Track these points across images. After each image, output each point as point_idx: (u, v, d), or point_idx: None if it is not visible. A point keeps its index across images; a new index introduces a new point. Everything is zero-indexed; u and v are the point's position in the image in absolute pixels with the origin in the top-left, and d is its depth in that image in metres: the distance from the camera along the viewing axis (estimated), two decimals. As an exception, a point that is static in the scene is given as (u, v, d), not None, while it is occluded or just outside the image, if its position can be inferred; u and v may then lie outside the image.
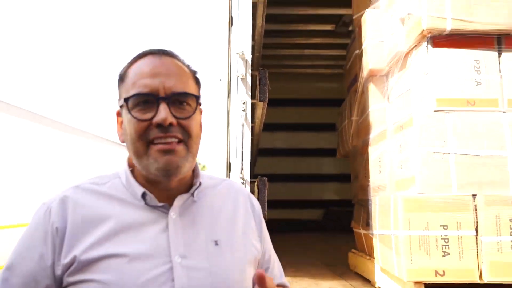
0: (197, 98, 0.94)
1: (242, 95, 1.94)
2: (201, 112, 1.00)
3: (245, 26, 1.99)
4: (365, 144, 2.70)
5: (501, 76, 1.98)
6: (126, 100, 0.90)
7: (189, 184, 0.97)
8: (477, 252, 1.84)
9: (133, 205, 0.93)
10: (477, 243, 1.84)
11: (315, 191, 6.56)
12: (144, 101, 0.89)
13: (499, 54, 2.00)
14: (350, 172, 3.65)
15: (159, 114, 0.87)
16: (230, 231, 0.99)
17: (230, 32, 2.03)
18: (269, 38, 5.21)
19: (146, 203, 0.92)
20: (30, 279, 0.86)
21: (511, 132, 1.93)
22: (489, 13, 1.96)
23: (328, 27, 5.17)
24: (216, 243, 0.94)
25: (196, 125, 0.95)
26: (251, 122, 2.39)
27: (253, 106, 2.22)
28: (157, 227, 0.91)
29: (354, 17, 3.04)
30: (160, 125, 0.87)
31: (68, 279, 0.85)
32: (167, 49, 1.01)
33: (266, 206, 2.06)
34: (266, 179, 2.07)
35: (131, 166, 0.97)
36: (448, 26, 1.95)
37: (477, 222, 1.85)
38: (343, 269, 2.96)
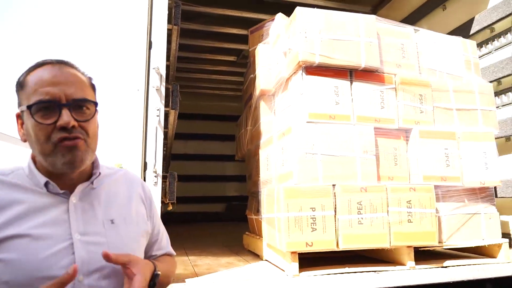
0: (95, 103, 0.91)
1: (157, 103, 1.88)
2: (97, 112, 0.95)
3: (161, 46, 1.94)
4: (257, 148, 2.76)
5: (352, 99, 2.17)
6: (29, 107, 0.83)
7: (89, 174, 0.95)
8: (335, 227, 1.97)
9: (36, 192, 0.87)
10: (335, 221, 1.97)
11: (219, 189, 6.56)
12: (45, 107, 0.84)
13: (351, 83, 2.19)
14: (242, 174, 3.71)
15: (62, 119, 0.83)
16: (125, 211, 0.97)
17: (148, 52, 1.97)
18: (183, 64, 5.13)
19: (48, 191, 0.87)
20: None
21: (358, 139, 2.12)
22: (344, 53, 2.13)
23: (231, 58, 5.25)
24: (112, 221, 0.93)
25: (94, 126, 0.91)
26: (165, 128, 2.33)
27: (167, 114, 2.16)
28: (59, 210, 0.87)
29: (250, 50, 3.13)
30: (63, 128, 0.84)
31: None
32: (64, 59, 0.95)
33: (175, 195, 2.01)
34: (175, 173, 2.01)
35: (33, 159, 0.91)
36: (317, 60, 2.09)
37: (335, 205, 1.98)
38: (239, 248, 2.99)
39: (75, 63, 0.94)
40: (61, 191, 0.88)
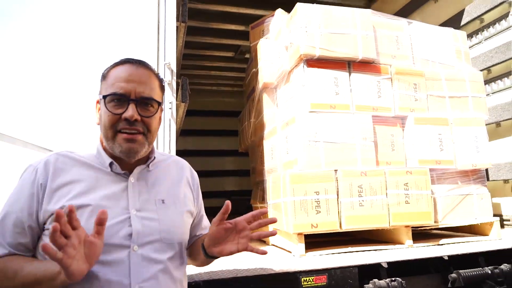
0: (159, 103, 1.05)
1: (169, 97, 2.01)
2: (161, 111, 1.11)
3: (171, 43, 2.07)
4: (261, 139, 2.90)
5: (351, 89, 2.32)
6: (104, 96, 1.00)
7: (146, 158, 1.10)
8: (338, 210, 2.12)
9: (102, 170, 1.04)
10: (338, 204, 2.12)
11: (219, 184, 6.69)
12: (117, 99, 1.00)
13: (350, 74, 2.34)
14: (246, 168, 3.83)
15: (128, 111, 0.99)
16: (174, 193, 1.12)
17: (159, 49, 2.10)
18: (182, 60, 5.24)
19: (112, 170, 1.02)
20: (18, 221, 0.94)
21: (358, 127, 2.26)
22: (342, 45, 2.28)
23: (229, 54, 5.37)
24: (163, 201, 1.07)
25: (155, 122, 1.06)
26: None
27: (176, 107, 2.28)
28: (119, 187, 1.03)
29: (251, 45, 3.26)
30: (127, 119, 0.99)
31: (48, 226, 0.94)
32: (143, 60, 1.10)
33: None
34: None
35: (101, 142, 1.06)
36: (317, 53, 2.23)
37: (338, 188, 2.13)
38: (244, 236, 3.12)
39: (150, 65, 1.10)
40: (122, 171, 1.03)
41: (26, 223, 0.93)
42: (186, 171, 1.22)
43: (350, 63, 2.35)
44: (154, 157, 1.11)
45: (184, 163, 1.25)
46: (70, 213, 0.78)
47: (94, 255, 0.83)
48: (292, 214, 2.06)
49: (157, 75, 1.10)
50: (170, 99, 2.00)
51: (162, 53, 2.08)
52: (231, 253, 1.06)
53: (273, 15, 2.95)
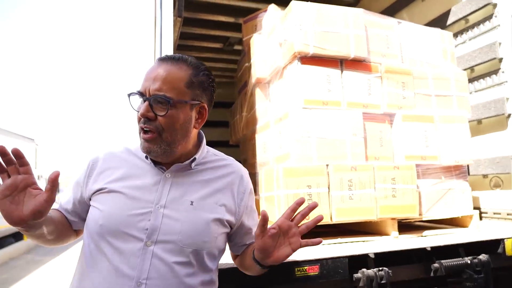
0: (168, 100, 0.96)
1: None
2: (182, 108, 1.01)
3: (168, 38, 2.10)
4: (253, 132, 2.96)
5: (342, 87, 2.41)
6: (128, 95, 1.02)
7: (189, 156, 1.09)
8: (329, 203, 2.22)
9: (143, 161, 1.09)
10: (329, 197, 2.22)
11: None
12: (139, 98, 1.03)
13: (342, 72, 2.42)
14: (235, 159, 3.89)
15: (140, 109, 0.99)
16: (206, 198, 1.07)
17: (155, 43, 2.14)
18: (170, 51, 5.21)
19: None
20: (75, 191, 1.12)
21: (348, 123, 2.36)
22: (335, 44, 2.36)
23: (218, 45, 5.38)
24: (191, 203, 1.04)
25: (172, 121, 0.99)
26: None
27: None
28: (153, 180, 1.06)
29: (244, 39, 3.30)
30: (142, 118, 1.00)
31: (90, 203, 1.07)
32: (178, 55, 1.05)
33: None
34: None
35: None
36: (311, 50, 2.31)
37: (329, 182, 2.23)
38: (235, 228, 3.21)
39: (188, 58, 1.04)
40: (157, 166, 1.07)
41: (77, 195, 1.11)
42: (235, 179, 1.13)
43: (342, 61, 2.43)
44: (195, 158, 1.07)
45: (237, 169, 1.16)
46: (18, 156, 0.87)
47: (33, 206, 0.87)
48: (285, 207, 2.14)
49: (187, 70, 1.02)
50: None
51: (159, 47, 2.12)
52: (287, 257, 1.01)
53: (265, 10, 3.00)
